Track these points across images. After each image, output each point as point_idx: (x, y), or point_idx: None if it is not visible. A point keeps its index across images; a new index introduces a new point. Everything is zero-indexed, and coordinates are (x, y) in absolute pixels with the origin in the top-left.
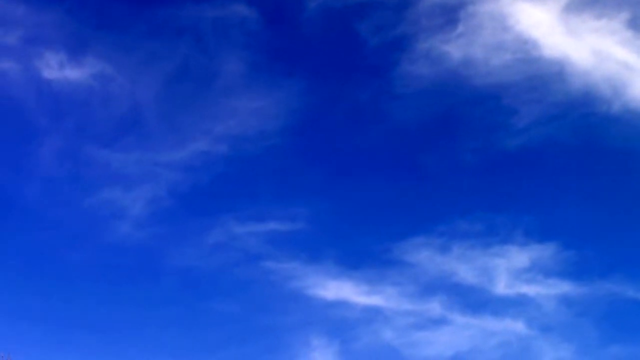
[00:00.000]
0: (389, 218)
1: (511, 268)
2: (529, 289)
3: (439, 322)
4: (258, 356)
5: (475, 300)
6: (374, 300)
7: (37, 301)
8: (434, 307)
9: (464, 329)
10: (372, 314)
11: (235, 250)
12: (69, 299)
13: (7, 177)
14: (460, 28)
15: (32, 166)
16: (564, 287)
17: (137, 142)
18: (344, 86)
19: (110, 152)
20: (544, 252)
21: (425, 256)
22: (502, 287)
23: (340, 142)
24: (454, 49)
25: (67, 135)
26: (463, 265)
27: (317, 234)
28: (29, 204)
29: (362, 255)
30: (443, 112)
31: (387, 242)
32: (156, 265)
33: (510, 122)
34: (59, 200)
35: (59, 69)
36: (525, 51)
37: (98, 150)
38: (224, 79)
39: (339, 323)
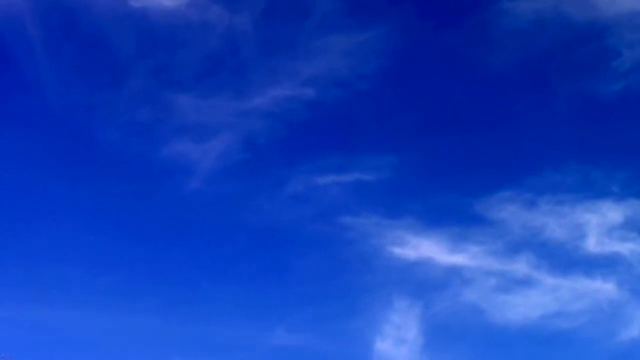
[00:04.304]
0: (475, 170)
1: (604, 225)
2: (623, 248)
3: (525, 283)
4: (336, 317)
5: (564, 260)
6: (458, 259)
7: (104, 256)
8: (521, 266)
9: (551, 290)
10: (456, 275)
11: (314, 204)
12: (138, 255)
13: (83, 122)
14: None
15: (110, 111)
16: None
17: (218, 86)
18: (440, 25)
19: (189, 98)
20: None
21: (511, 212)
22: (593, 245)
23: (432, 88)
24: None
25: (149, 76)
26: (552, 222)
27: (400, 187)
28: (100, 154)
29: (445, 210)
30: (539, 54)
31: (472, 196)
32: (229, 221)
33: (612, 65)
34: (131, 151)
35: None
36: None
37: (177, 95)
38: (318, 15)
39: (421, 283)
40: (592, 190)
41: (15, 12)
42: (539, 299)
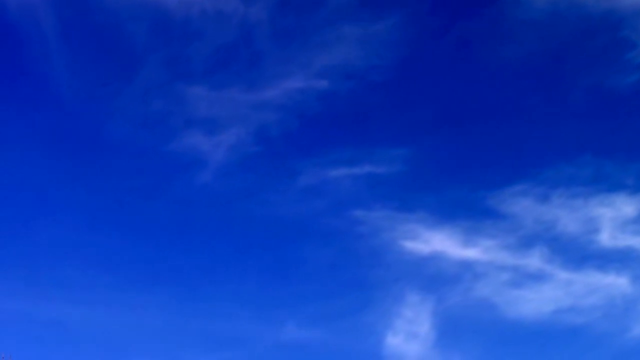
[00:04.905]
0: (488, 163)
1: (618, 218)
2: (637, 242)
3: (538, 277)
4: (347, 311)
5: (577, 254)
6: (470, 253)
7: (113, 251)
8: (533, 261)
9: (564, 285)
10: (468, 269)
11: (325, 197)
12: (147, 250)
13: (94, 114)
14: None
15: (122, 103)
16: None
17: (230, 77)
18: (455, 16)
19: (201, 89)
20: None
21: (524, 206)
22: (606, 239)
23: (446, 80)
24: None
25: (161, 68)
26: (565, 215)
27: (413, 180)
28: (111, 146)
29: (457, 204)
30: (554, 46)
31: (484, 190)
32: (240, 215)
33: (627, 57)
34: (142, 143)
35: None
36: None
37: (189, 87)
38: (331, 5)
39: (432, 278)
40: (606, 184)
41: (29, 2)
42: (551, 294)
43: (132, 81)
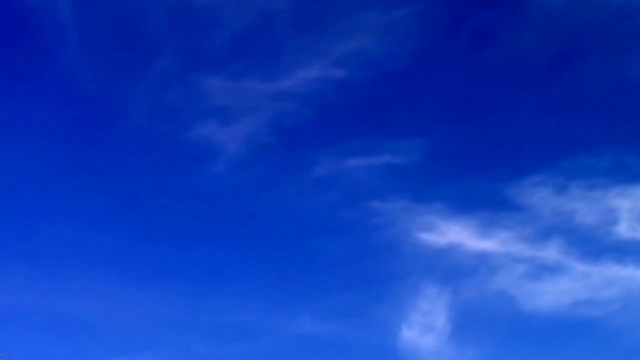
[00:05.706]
0: (505, 154)
1: (636, 209)
2: None
3: (555, 269)
4: (362, 304)
5: (595, 246)
6: (487, 245)
7: (126, 242)
8: (551, 252)
9: (581, 277)
10: (484, 261)
11: (341, 187)
12: (160, 241)
13: (109, 103)
14: None
15: (135, 95)
16: None
17: (247, 67)
18: (474, 4)
19: (216, 79)
20: None
21: (541, 197)
22: (625, 230)
23: (464, 69)
24: None
25: (177, 56)
26: (583, 207)
27: (429, 170)
28: (124, 137)
29: (474, 195)
30: (573, 34)
31: (501, 181)
32: (255, 206)
33: None
34: (156, 133)
35: None
36: None
37: (204, 76)
38: None
39: (449, 270)
40: (625, 174)
41: None
42: (568, 286)
43: (147, 70)
